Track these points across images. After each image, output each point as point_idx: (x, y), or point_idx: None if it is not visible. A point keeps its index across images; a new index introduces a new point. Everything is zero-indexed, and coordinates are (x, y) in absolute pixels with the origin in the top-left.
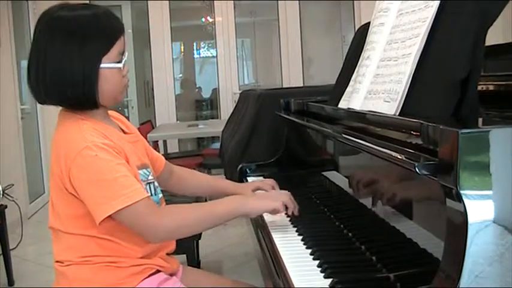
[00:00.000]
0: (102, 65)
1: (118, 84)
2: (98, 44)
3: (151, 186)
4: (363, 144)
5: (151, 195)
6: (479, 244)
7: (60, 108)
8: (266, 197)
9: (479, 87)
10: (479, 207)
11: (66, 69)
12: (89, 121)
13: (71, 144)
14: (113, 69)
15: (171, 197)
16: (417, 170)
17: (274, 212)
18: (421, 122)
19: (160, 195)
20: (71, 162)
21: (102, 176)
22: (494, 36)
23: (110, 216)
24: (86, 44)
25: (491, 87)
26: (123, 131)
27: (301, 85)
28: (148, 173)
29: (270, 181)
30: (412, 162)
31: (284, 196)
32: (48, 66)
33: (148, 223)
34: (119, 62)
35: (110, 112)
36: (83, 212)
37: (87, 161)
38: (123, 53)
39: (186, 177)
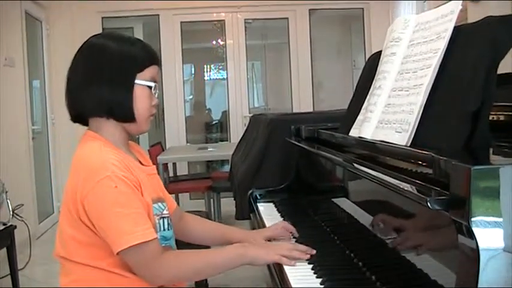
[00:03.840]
0: (136, 81)
1: (146, 107)
2: (134, 63)
3: (166, 220)
4: (373, 175)
5: (165, 229)
6: (491, 274)
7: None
8: (268, 247)
9: (490, 117)
10: (490, 238)
11: (109, 93)
12: (111, 148)
13: (92, 171)
14: (145, 88)
15: None
16: (429, 204)
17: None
18: (432, 154)
19: (173, 230)
20: (89, 190)
21: (119, 209)
22: (506, 64)
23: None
24: (124, 65)
25: (502, 117)
26: (140, 163)
27: (311, 108)
28: (163, 207)
29: (282, 225)
30: (423, 196)
31: (286, 250)
32: (91, 91)
33: (151, 266)
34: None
35: (130, 143)
36: (94, 241)
37: (106, 192)
38: (155, 81)
39: (194, 224)
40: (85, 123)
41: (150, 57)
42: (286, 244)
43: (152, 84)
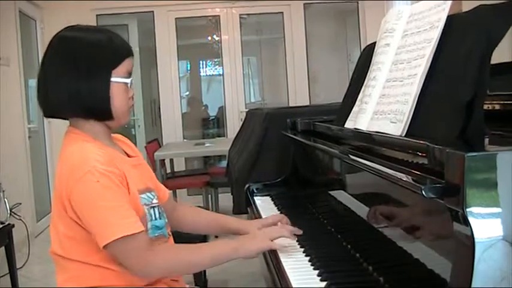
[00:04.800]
0: (111, 79)
1: (124, 103)
2: (108, 59)
3: (156, 210)
4: (369, 166)
5: (156, 219)
6: (488, 262)
7: (65, 127)
8: (256, 237)
9: (486, 107)
10: (486, 226)
11: (81, 86)
12: (94, 143)
13: (74, 167)
14: (121, 85)
15: None
16: (424, 193)
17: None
18: (427, 143)
19: (166, 220)
20: (73, 187)
21: (103, 202)
22: (501, 54)
23: (106, 247)
24: (98, 61)
25: (497, 107)
26: (126, 154)
27: (307, 103)
28: (152, 197)
29: (277, 217)
30: (418, 185)
31: (275, 233)
32: (62, 84)
33: (141, 259)
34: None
35: (115, 135)
36: (83, 237)
37: (88, 187)
38: (130, 74)
39: (189, 213)
40: (62, 118)
41: (124, 50)
42: (274, 228)
43: (128, 80)
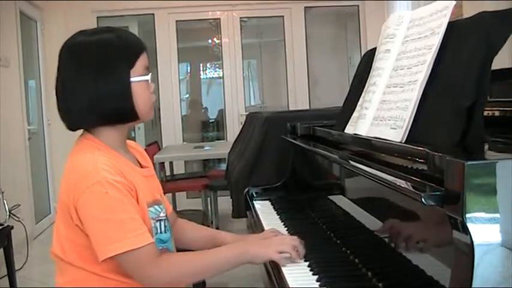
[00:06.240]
0: (131, 79)
1: (148, 99)
2: (123, 59)
3: (162, 223)
4: (369, 172)
5: (161, 232)
6: (486, 268)
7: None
8: (267, 246)
9: (486, 113)
10: (485, 233)
11: (101, 90)
12: (106, 152)
13: (83, 175)
14: (142, 82)
15: None
16: (423, 200)
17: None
18: (427, 150)
19: (171, 232)
20: (80, 195)
21: (109, 215)
22: (501, 60)
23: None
24: (113, 62)
25: (497, 113)
26: (139, 163)
27: (307, 106)
28: (160, 210)
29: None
30: (418, 192)
31: (286, 246)
32: (81, 91)
33: (146, 272)
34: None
35: (129, 142)
36: (85, 244)
37: (96, 197)
38: (148, 69)
39: (188, 229)
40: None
41: (136, 46)
42: (286, 239)
43: (148, 77)
